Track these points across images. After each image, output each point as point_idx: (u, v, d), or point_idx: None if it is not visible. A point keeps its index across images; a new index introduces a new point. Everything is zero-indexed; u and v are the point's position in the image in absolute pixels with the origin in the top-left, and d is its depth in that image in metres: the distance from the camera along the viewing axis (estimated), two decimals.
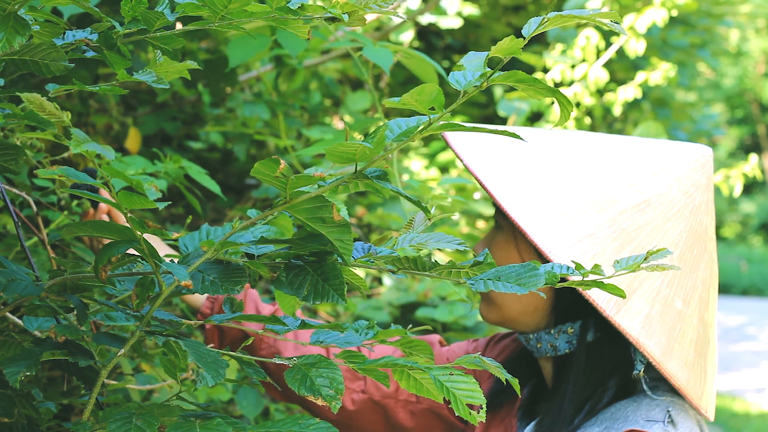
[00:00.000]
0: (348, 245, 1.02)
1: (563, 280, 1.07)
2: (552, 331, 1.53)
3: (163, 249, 1.60)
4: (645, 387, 1.47)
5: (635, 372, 1.45)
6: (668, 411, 1.44)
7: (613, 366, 1.50)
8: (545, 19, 0.95)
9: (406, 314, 2.91)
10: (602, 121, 4.36)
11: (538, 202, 1.44)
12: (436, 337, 1.79)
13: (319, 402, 1.01)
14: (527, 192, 1.45)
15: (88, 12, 1.10)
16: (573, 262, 1.06)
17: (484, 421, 1.13)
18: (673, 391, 1.48)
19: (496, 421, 1.63)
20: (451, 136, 1.50)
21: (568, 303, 1.51)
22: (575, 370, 1.51)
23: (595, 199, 1.46)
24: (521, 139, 1.02)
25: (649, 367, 1.46)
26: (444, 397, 1.05)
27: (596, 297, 1.39)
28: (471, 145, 1.50)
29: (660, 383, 1.49)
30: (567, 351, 1.52)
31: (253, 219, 1.05)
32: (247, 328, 1.27)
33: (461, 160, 1.48)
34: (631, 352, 1.47)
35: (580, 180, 1.48)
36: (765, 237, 23.18)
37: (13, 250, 1.79)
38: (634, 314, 1.40)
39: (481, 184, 1.44)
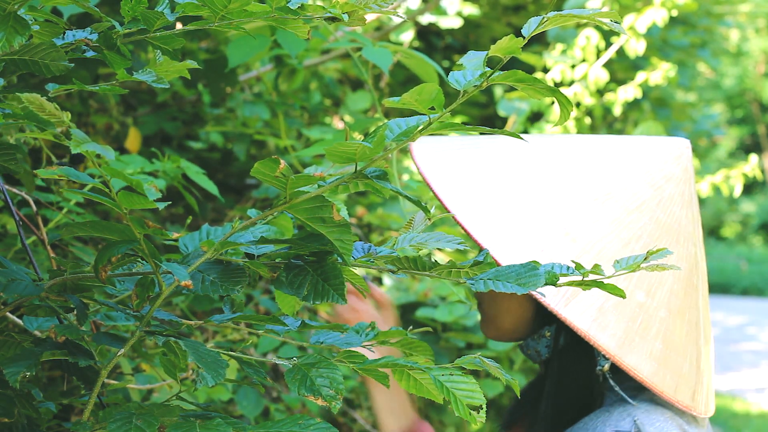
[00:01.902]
0: (348, 245, 1.02)
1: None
2: (535, 337, 1.52)
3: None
4: (610, 382, 1.44)
5: (598, 368, 1.43)
6: (635, 420, 1.42)
7: (585, 370, 1.49)
8: (545, 19, 0.95)
9: (406, 314, 2.90)
10: (602, 121, 4.36)
11: (486, 204, 1.42)
12: None
13: (319, 402, 1.01)
14: (477, 196, 1.43)
15: (88, 12, 1.09)
16: (573, 261, 1.06)
17: None
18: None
19: None
20: (415, 147, 1.49)
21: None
22: (550, 375, 1.50)
23: (548, 195, 1.44)
24: (522, 139, 1.02)
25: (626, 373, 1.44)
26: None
27: (543, 291, 1.34)
28: (431, 156, 1.49)
29: (645, 390, 1.47)
30: (547, 356, 1.52)
31: (253, 219, 1.05)
32: (249, 330, 1.27)
33: (420, 172, 1.47)
34: (594, 350, 1.45)
35: (535, 179, 1.46)
36: (765, 237, 23.19)
37: (12, 249, 1.79)
38: (585, 307, 1.37)
39: (431, 188, 1.44)
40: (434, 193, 1.42)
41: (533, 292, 1.33)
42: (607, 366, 1.43)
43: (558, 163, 1.50)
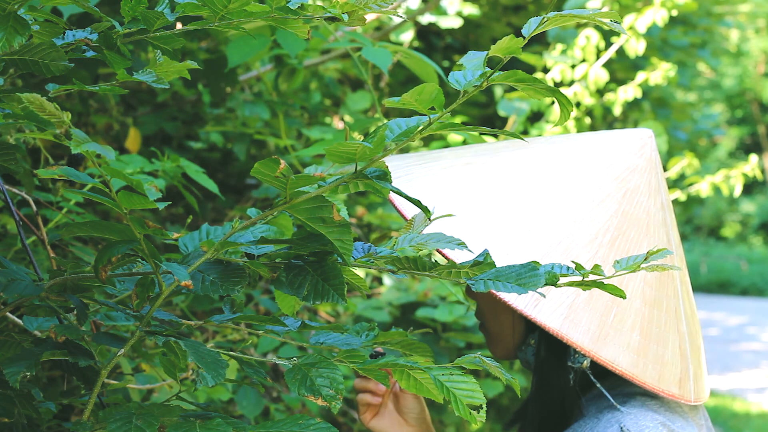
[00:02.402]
0: (348, 245, 1.02)
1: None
2: (523, 347, 1.52)
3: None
4: (600, 388, 1.44)
5: (577, 365, 1.42)
6: (621, 427, 1.39)
7: (564, 372, 1.47)
8: (545, 19, 0.95)
9: (406, 314, 2.91)
10: (602, 121, 4.37)
11: (447, 204, 1.41)
12: None
13: (319, 402, 1.01)
14: (437, 197, 1.43)
15: (88, 12, 1.10)
16: (573, 262, 1.06)
17: None
18: (648, 395, 1.45)
19: None
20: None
21: None
22: (534, 381, 1.50)
23: (512, 196, 1.43)
24: (522, 139, 1.02)
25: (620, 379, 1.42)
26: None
27: (507, 294, 1.31)
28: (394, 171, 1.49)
29: (637, 395, 1.46)
30: (534, 363, 1.51)
31: (253, 219, 1.05)
32: (249, 330, 1.27)
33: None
34: (570, 350, 1.43)
35: (498, 181, 1.46)
36: (765, 237, 23.21)
37: (12, 249, 1.79)
38: (556, 306, 1.36)
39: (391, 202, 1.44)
40: (395, 206, 1.42)
41: (503, 297, 1.32)
42: (586, 363, 1.42)
43: (520, 165, 1.50)
